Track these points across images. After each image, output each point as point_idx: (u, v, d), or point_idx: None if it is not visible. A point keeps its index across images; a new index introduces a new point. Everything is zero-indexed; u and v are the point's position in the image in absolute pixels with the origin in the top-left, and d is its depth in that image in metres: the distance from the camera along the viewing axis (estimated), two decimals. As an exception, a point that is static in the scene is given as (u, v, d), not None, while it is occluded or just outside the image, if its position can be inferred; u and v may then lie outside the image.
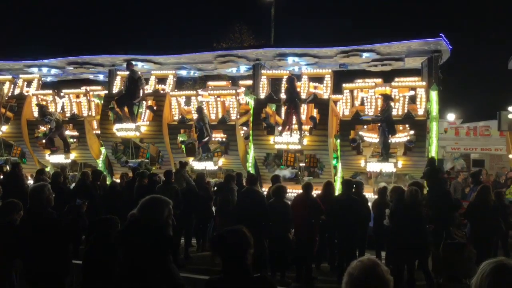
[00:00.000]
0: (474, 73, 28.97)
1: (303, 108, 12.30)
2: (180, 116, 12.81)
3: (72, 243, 5.38)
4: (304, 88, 12.16)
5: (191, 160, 12.25)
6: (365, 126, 11.61)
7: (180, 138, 12.83)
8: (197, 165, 12.24)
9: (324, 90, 12.17)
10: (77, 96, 14.36)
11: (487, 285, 2.20)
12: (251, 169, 12.15)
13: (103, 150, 13.62)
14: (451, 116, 21.13)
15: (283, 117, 11.93)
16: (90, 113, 14.24)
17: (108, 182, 11.70)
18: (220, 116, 12.46)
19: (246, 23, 28.44)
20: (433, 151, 11.06)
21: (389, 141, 10.96)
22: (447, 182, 9.76)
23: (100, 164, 13.49)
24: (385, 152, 11.00)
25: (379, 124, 10.93)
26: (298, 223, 8.05)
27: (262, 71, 13.02)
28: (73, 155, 13.60)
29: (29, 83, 15.00)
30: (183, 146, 12.77)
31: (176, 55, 13.66)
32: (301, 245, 7.96)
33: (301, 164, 12.39)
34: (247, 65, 13.81)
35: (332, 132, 11.67)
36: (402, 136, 11.29)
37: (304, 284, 7.83)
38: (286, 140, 11.54)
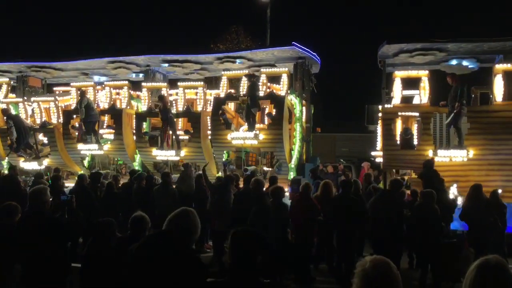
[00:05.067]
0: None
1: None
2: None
3: (71, 243, 5.37)
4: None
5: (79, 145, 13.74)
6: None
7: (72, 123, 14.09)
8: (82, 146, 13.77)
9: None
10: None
11: (471, 280, 2.25)
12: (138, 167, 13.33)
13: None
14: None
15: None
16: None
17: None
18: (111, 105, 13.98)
19: (243, 24, 28.50)
20: (296, 151, 12.52)
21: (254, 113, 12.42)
22: (443, 182, 9.75)
23: (5, 165, 14.25)
24: (249, 124, 12.39)
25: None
26: (296, 224, 8.06)
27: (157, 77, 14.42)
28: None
29: None
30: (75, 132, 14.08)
31: (72, 61, 14.57)
32: (300, 246, 7.98)
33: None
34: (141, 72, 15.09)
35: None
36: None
37: (303, 285, 7.82)
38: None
